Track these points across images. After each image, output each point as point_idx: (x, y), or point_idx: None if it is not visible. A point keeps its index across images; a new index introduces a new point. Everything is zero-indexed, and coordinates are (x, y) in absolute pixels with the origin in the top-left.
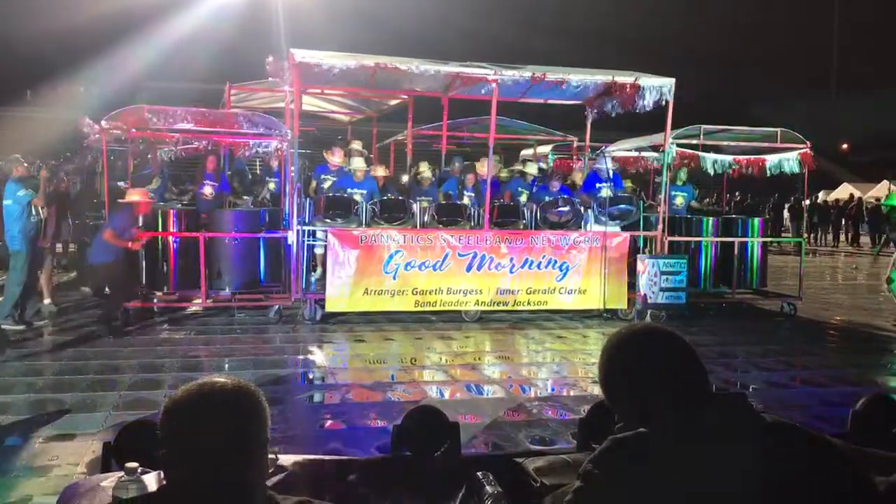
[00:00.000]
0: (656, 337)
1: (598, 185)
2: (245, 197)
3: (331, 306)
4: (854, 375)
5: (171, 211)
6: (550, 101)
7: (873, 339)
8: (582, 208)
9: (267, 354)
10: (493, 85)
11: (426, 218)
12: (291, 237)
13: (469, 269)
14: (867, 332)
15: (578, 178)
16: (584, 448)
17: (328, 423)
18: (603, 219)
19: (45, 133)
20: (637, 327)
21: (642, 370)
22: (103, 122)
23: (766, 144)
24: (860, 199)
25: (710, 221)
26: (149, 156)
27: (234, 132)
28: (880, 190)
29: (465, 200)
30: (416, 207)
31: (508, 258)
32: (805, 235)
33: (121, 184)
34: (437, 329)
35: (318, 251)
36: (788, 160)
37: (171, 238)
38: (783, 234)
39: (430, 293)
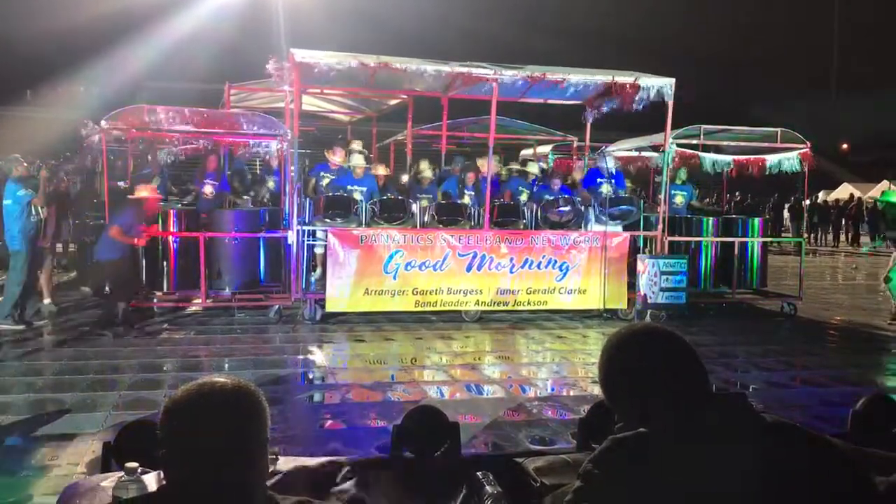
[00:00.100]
0: (656, 337)
1: (598, 180)
2: (245, 196)
3: (331, 306)
4: (854, 375)
5: (171, 211)
6: (550, 101)
7: (873, 339)
8: (582, 207)
9: (267, 354)
10: (493, 85)
11: (426, 218)
12: (291, 237)
13: (469, 269)
14: (867, 332)
15: (578, 176)
16: (584, 448)
17: (328, 422)
18: (604, 218)
19: (45, 133)
20: (637, 327)
21: (642, 370)
22: (103, 122)
23: (766, 144)
24: (860, 199)
25: (710, 221)
26: (149, 156)
27: (234, 132)
28: (880, 190)
29: (466, 199)
30: (415, 207)
31: (508, 258)
32: (805, 235)
33: (121, 184)
34: (437, 329)
35: (318, 251)
36: (789, 159)
37: (170, 238)
38: (783, 234)
39: (430, 293)
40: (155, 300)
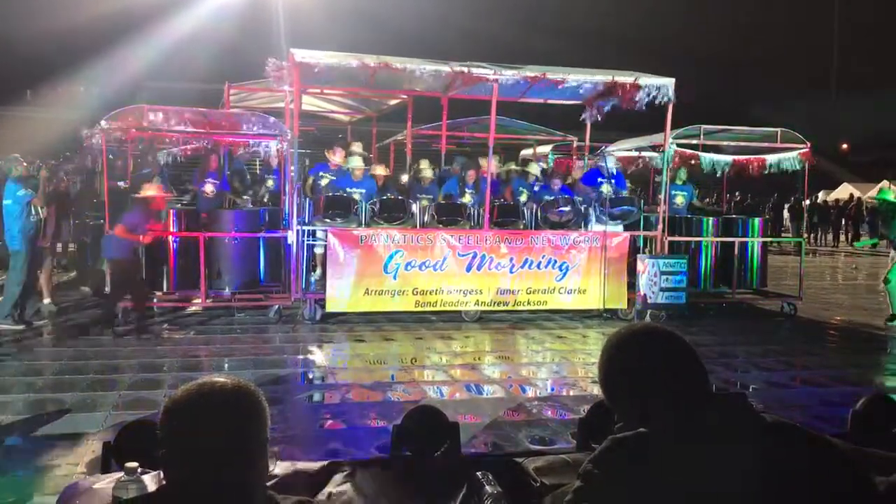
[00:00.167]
0: (656, 337)
1: (598, 180)
2: (245, 196)
3: (331, 306)
4: (854, 375)
5: (171, 210)
6: (550, 101)
7: (873, 339)
8: (582, 207)
9: (267, 354)
10: (493, 85)
11: (426, 218)
12: (291, 237)
13: (469, 269)
14: (867, 332)
15: (579, 175)
16: (583, 448)
17: (328, 422)
18: (604, 218)
19: (45, 133)
20: (637, 327)
21: (642, 370)
22: (103, 122)
23: (766, 144)
24: (860, 199)
25: (710, 221)
26: (149, 157)
27: (234, 132)
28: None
29: (467, 198)
30: (415, 207)
31: (508, 258)
32: (805, 235)
33: (120, 184)
34: (437, 329)
35: (318, 251)
36: (789, 159)
37: (170, 238)
38: (783, 234)
39: (430, 293)
40: (155, 300)
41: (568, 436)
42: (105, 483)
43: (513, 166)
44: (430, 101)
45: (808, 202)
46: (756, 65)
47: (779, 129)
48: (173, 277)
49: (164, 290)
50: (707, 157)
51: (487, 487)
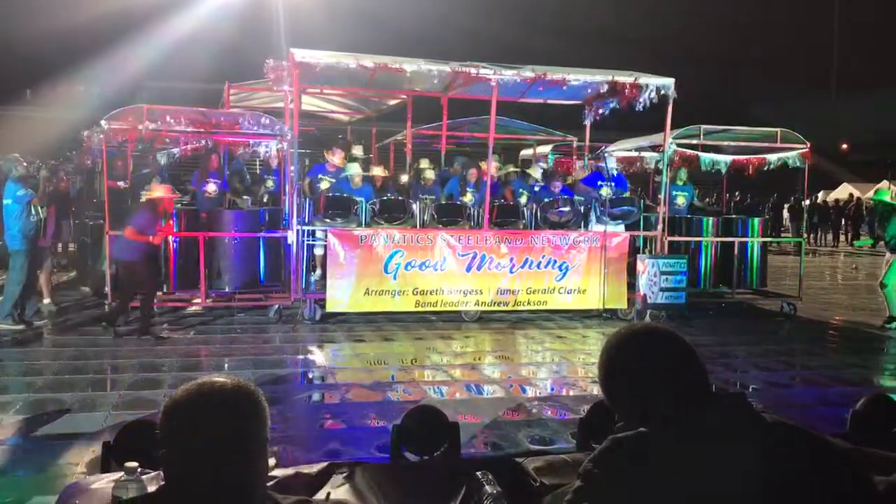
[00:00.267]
0: (656, 337)
1: (599, 182)
2: (245, 196)
3: (331, 306)
4: (854, 375)
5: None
6: (550, 101)
7: (873, 339)
8: (582, 208)
9: (267, 354)
10: (493, 85)
11: (426, 217)
12: (291, 237)
13: (469, 269)
14: (867, 332)
15: (580, 176)
16: (583, 448)
17: (328, 422)
18: (605, 218)
19: (45, 133)
20: (637, 327)
21: (642, 370)
22: (103, 122)
23: (766, 144)
24: (859, 199)
25: (710, 221)
26: (149, 157)
27: (233, 132)
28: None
29: (468, 198)
30: (416, 207)
31: (508, 258)
32: (805, 235)
33: (120, 184)
34: (437, 329)
35: (318, 252)
36: (789, 159)
37: (170, 237)
38: (783, 234)
39: (430, 293)
40: (155, 300)
41: (568, 436)
42: (105, 483)
43: (511, 168)
44: (430, 101)
45: (807, 202)
46: (756, 65)
47: (779, 129)
48: (173, 277)
49: (164, 290)
50: (707, 157)
51: (487, 487)
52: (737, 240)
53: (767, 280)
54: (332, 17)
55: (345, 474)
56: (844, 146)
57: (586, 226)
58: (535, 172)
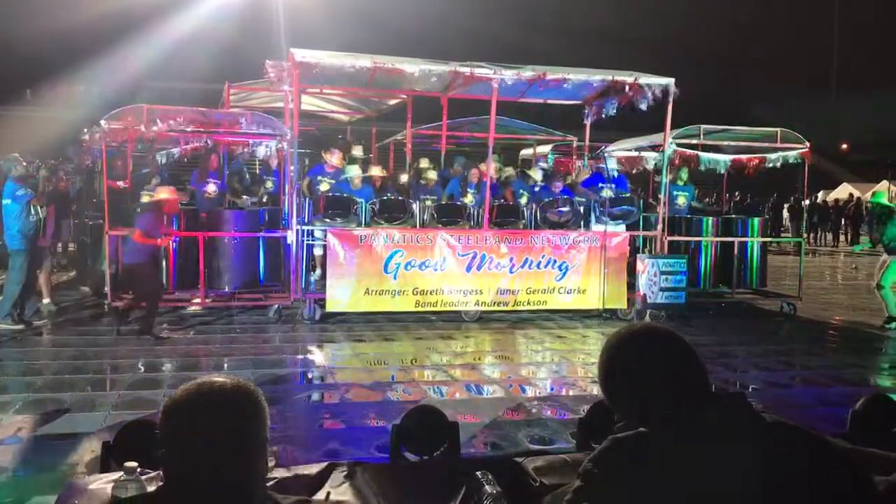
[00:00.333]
0: (656, 337)
1: (600, 184)
2: (244, 196)
3: (331, 306)
4: (853, 375)
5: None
6: (550, 101)
7: (873, 339)
8: (581, 208)
9: (266, 354)
10: (493, 85)
11: (426, 217)
12: (291, 237)
13: (469, 269)
14: (867, 332)
15: (582, 178)
16: (583, 448)
17: (327, 422)
18: (604, 219)
19: (45, 133)
20: (637, 327)
21: (642, 370)
22: (103, 122)
23: (765, 144)
24: (859, 199)
25: (710, 221)
26: (149, 156)
27: (233, 132)
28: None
29: (469, 198)
30: (415, 207)
31: (508, 258)
32: (805, 235)
33: (120, 183)
34: (437, 329)
35: (318, 252)
36: (789, 157)
37: (170, 237)
38: (783, 234)
39: (430, 293)
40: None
41: (568, 436)
42: (104, 483)
43: (511, 171)
44: (430, 101)
45: (807, 202)
46: (756, 65)
47: (778, 129)
48: (173, 277)
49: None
50: (707, 157)
51: (487, 487)
52: (737, 240)
53: (767, 280)
54: (332, 17)
55: (344, 474)
56: (844, 146)
57: (586, 226)
58: (536, 174)
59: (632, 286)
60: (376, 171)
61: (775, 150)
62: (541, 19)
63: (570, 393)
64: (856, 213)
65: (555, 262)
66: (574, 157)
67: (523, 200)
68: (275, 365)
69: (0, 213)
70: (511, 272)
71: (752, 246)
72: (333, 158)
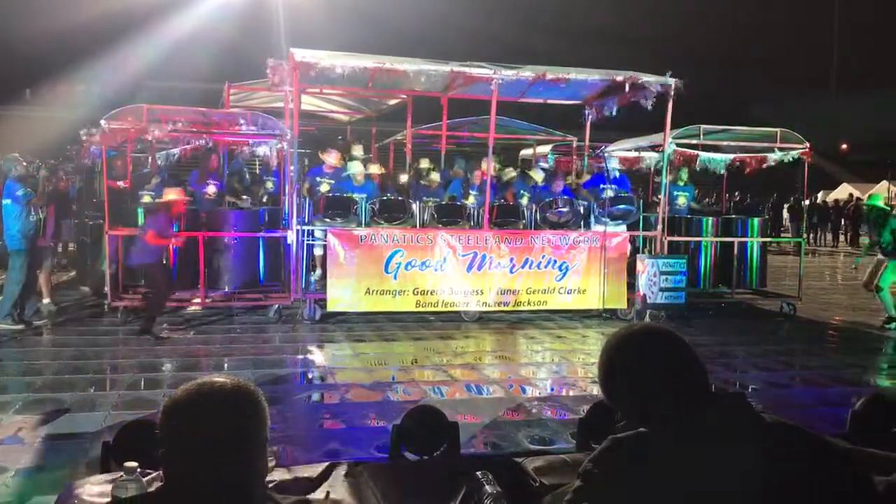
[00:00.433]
0: (656, 337)
1: (601, 185)
2: (244, 196)
3: (332, 306)
4: (853, 375)
5: None
6: (550, 101)
7: (873, 340)
8: (581, 208)
9: (266, 354)
10: (493, 85)
11: (426, 217)
12: (291, 237)
13: (469, 268)
14: (867, 333)
15: (584, 180)
16: (583, 448)
17: (327, 422)
18: (604, 219)
19: (45, 132)
20: (637, 327)
21: (642, 370)
22: (103, 122)
23: (765, 144)
24: (859, 199)
25: (710, 221)
26: (149, 156)
27: (233, 132)
28: (879, 190)
29: (471, 199)
30: (415, 207)
31: (508, 258)
32: (805, 235)
33: (120, 183)
34: (437, 329)
35: (318, 252)
36: (789, 158)
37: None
38: (783, 234)
39: (430, 293)
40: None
41: (568, 436)
42: (104, 483)
43: (512, 172)
44: (430, 101)
45: (807, 202)
46: (756, 65)
47: (778, 130)
48: (172, 277)
49: None
50: (705, 155)
51: (487, 487)
52: (736, 240)
53: (767, 280)
54: (332, 17)
55: (344, 474)
56: (844, 146)
57: (586, 226)
58: (537, 175)
59: (632, 286)
60: (375, 169)
61: (775, 150)
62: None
63: (570, 393)
64: (856, 214)
65: (555, 262)
66: (574, 157)
67: (524, 201)
68: (275, 365)
69: (0, 213)
70: (511, 272)
71: (751, 246)
72: (331, 158)
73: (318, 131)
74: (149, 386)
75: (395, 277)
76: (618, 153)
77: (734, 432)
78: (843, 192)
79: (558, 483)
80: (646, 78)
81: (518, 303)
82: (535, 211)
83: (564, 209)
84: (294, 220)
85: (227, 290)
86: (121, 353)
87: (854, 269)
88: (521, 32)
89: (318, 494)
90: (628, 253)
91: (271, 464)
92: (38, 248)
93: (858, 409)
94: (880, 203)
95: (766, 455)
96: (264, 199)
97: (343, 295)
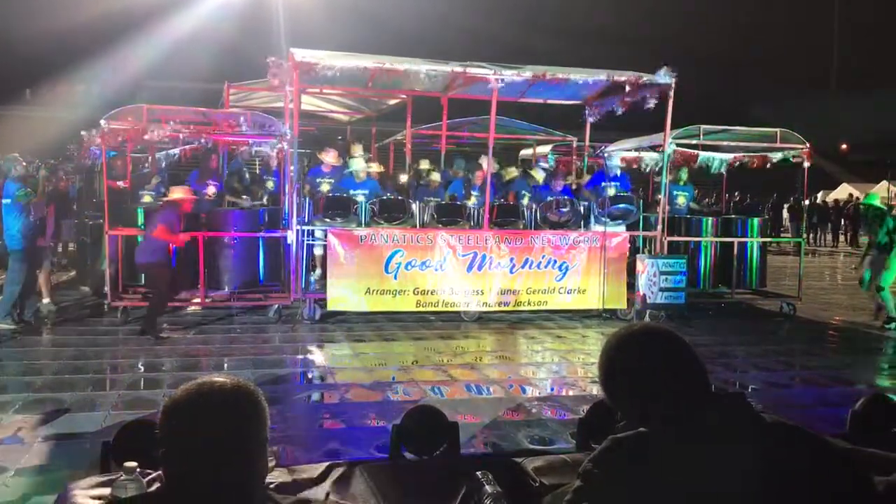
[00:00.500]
0: (656, 337)
1: (603, 183)
2: (244, 196)
3: (331, 306)
4: (853, 375)
5: None
6: (550, 101)
7: (873, 340)
8: (581, 208)
9: (266, 354)
10: (493, 85)
11: (426, 217)
12: (291, 237)
13: (470, 268)
14: (867, 333)
15: (585, 180)
16: (583, 448)
17: (327, 422)
18: (604, 219)
19: (45, 132)
20: (637, 327)
21: (642, 370)
22: (102, 122)
23: (765, 144)
24: (859, 199)
25: (710, 221)
26: (148, 157)
27: (233, 132)
28: (879, 190)
29: (473, 199)
30: (415, 207)
31: (508, 258)
32: (804, 236)
33: (120, 183)
34: (437, 329)
35: (318, 252)
36: (788, 158)
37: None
38: (783, 235)
39: (430, 293)
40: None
41: (568, 436)
42: (103, 483)
43: (515, 171)
44: (430, 101)
45: (807, 202)
46: (756, 65)
47: (778, 130)
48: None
49: None
50: (707, 156)
51: (487, 487)
52: (736, 240)
53: (767, 280)
54: (332, 17)
55: (344, 474)
56: (844, 146)
57: (586, 226)
58: (538, 175)
59: (631, 286)
60: (374, 168)
61: (775, 150)
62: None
63: (570, 393)
64: (855, 214)
65: (555, 262)
66: (574, 156)
67: (525, 201)
68: (275, 365)
69: (0, 213)
70: (511, 272)
71: (751, 246)
72: (329, 157)
73: (318, 131)
74: (149, 386)
75: (395, 277)
76: (618, 153)
77: (734, 432)
78: (842, 192)
79: (558, 483)
80: (646, 78)
81: (518, 303)
82: (535, 211)
83: (565, 209)
84: (294, 220)
85: (226, 290)
86: (121, 353)
87: (853, 269)
88: (521, 32)
89: (318, 494)
90: (628, 253)
91: (271, 464)
92: (37, 248)
93: (858, 409)
94: (877, 202)
95: (766, 455)
96: (265, 200)
97: (343, 295)
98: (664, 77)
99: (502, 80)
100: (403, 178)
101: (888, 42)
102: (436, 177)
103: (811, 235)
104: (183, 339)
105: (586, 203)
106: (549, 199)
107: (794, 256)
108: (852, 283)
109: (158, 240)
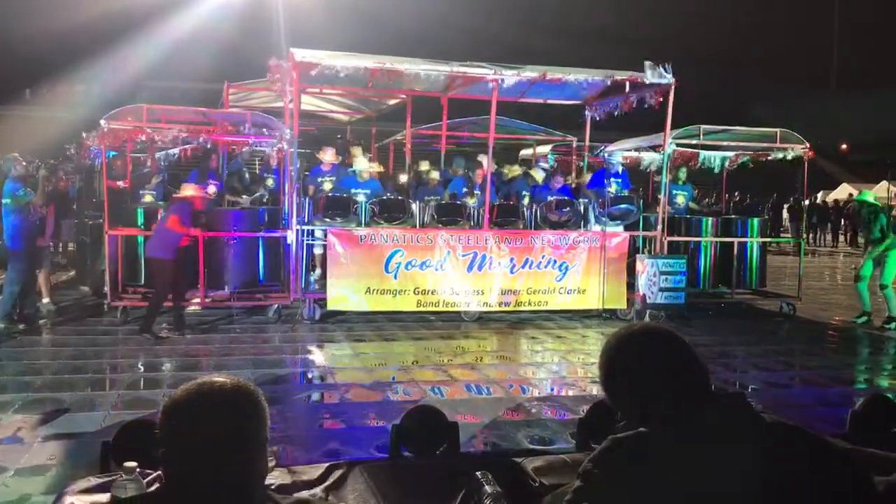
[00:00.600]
0: (656, 337)
1: (605, 181)
2: (244, 196)
3: (331, 306)
4: (853, 375)
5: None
6: (550, 101)
7: (873, 340)
8: (581, 208)
9: (266, 354)
10: (493, 85)
11: (426, 217)
12: (291, 236)
13: (470, 268)
14: (866, 333)
15: (584, 180)
16: (583, 448)
17: (327, 422)
18: (603, 219)
19: (45, 132)
20: (637, 327)
21: (642, 370)
22: (102, 122)
23: (765, 144)
24: None
25: (710, 221)
26: (148, 157)
27: (233, 132)
28: (879, 190)
29: (473, 199)
30: (415, 207)
31: (508, 258)
32: (804, 236)
33: (119, 183)
34: (437, 329)
35: (318, 251)
36: (788, 158)
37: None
38: (782, 235)
39: (431, 293)
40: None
41: (567, 436)
42: (103, 483)
43: (517, 170)
44: (430, 101)
45: (807, 202)
46: (756, 65)
47: (778, 130)
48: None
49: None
50: (708, 155)
51: (487, 487)
52: (736, 240)
53: (767, 280)
54: (332, 17)
55: (344, 474)
56: (844, 146)
57: (586, 226)
58: (538, 175)
59: (631, 286)
60: (374, 167)
61: (774, 150)
62: (541, 19)
63: (570, 393)
64: (855, 214)
65: (555, 262)
66: (574, 156)
67: (526, 201)
68: (275, 365)
69: (0, 213)
70: (512, 272)
71: (751, 246)
72: (327, 155)
73: (318, 131)
74: (148, 386)
75: (395, 277)
76: (618, 153)
77: (734, 432)
78: (842, 192)
79: (558, 483)
80: (646, 78)
81: (519, 303)
82: (535, 211)
83: (565, 209)
84: (294, 220)
85: (226, 290)
86: (120, 353)
87: (853, 269)
88: (521, 32)
89: (318, 494)
90: (628, 253)
91: (271, 464)
92: (37, 248)
93: (858, 409)
94: (870, 199)
95: (766, 455)
96: (265, 199)
97: (343, 294)
98: (652, 76)
99: (502, 80)
100: (403, 178)
101: (888, 42)
102: (435, 174)
103: (811, 235)
104: (183, 339)
105: (586, 201)
106: (549, 199)
107: (794, 256)
108: (852, 283)
109: (171, 233)
